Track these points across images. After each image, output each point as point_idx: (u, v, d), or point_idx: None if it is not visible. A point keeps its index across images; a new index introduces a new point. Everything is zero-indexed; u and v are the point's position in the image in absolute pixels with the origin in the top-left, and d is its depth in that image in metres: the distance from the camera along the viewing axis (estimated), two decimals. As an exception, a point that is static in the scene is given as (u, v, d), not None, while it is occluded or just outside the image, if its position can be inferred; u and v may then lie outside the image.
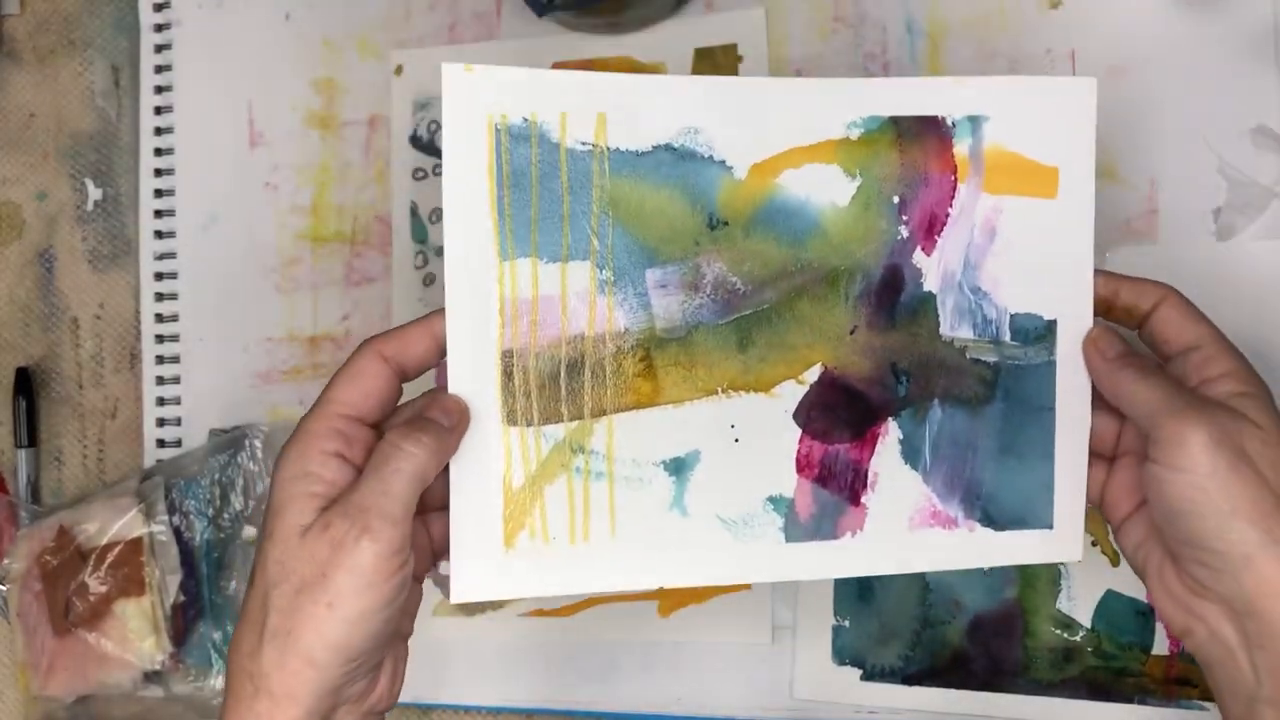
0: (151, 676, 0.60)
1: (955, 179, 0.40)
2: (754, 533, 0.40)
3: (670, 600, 0.57)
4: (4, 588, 0.61)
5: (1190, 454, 0.36)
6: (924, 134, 0.39)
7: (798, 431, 0.40)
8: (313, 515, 0.35)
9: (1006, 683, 0.54)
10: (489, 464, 0.38)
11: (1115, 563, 0.53)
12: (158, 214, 0.65)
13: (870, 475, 0.40)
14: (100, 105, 0.66)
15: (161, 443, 0.64)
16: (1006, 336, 0.40)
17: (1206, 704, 0.52)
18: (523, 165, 0.37)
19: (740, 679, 0.57)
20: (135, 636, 0.58)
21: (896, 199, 0.40)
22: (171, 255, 0.64)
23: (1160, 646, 0.53)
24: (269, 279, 0.63)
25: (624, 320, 0.38)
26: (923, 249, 0.40)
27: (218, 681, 0.60)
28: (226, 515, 0.60)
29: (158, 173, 0.65)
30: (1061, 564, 0.53)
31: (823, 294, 0.39)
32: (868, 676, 0.55)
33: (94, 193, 0.66)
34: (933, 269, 0.40)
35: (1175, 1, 0.54)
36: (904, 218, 0.40)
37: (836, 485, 0.40)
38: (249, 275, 0.63)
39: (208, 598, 0.60)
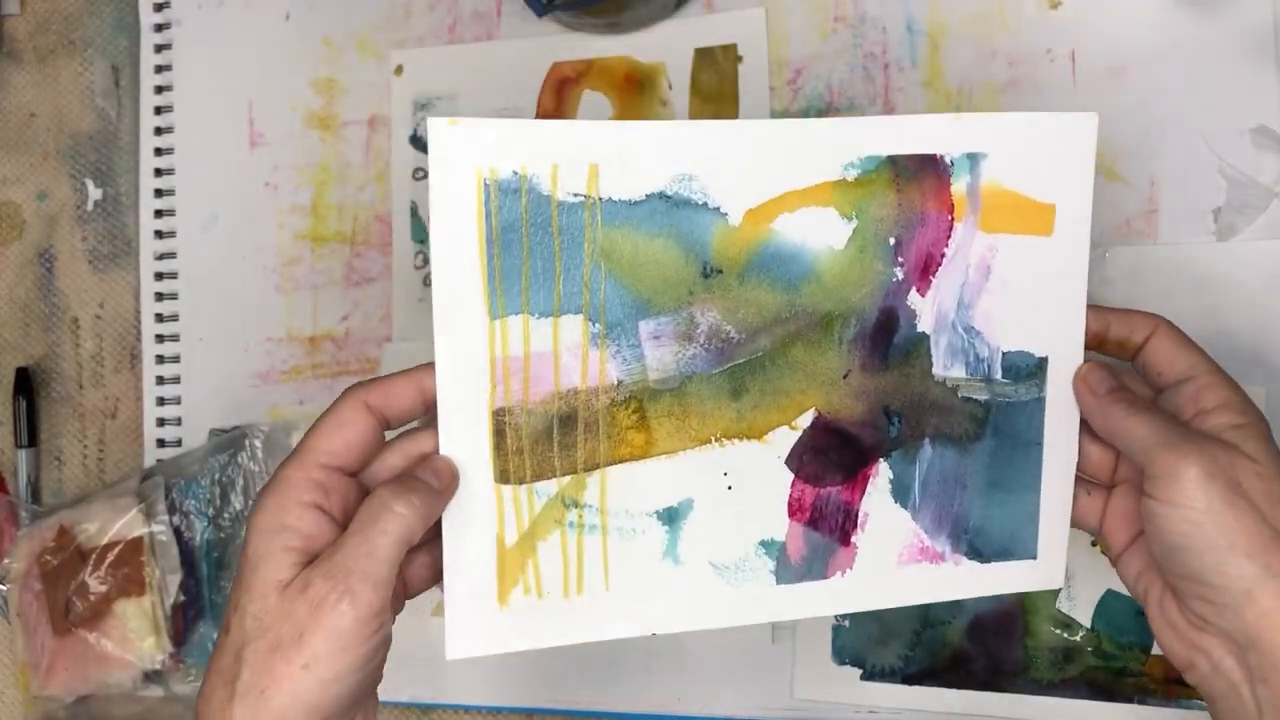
0: (152, 676, 0.60)
1: (952, 218, 0.39)
2: (745, 577, 0.40)
3: None
4: (4, 587, 0.61)
5: (1185, 489, 0.35)
6: (922, 173, 0.39)
7: (790, 476, 0.40)
8: (290, 571, 0.34)
9: (1006, 683, 0.54)
10: (481, 523, 0.37)
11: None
12: (158, 214, 0.65)
13: (861, 515, 0.40)
14: (100, 105, 0.66)
15: (161, 442, 0.64)
16: (998, 374, 0.40)
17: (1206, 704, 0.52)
18: (513, 220, 0.36)
19: (740, 679, 0.57)
20: (135, 636, 0.58)
21: (893, 240, 0.39)
22: (171, 255, 0.64)
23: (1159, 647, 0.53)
24: (269, 279, 0.63)
25: (617, 373, 0.38)
26: (918, 290, 0.39)
27: (218, 681, 0.60)
28: (227, 515, 0.60)
29: (158, 172, 0.65)
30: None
31: (817, 339, 0.39)
32: (868, 676, 0.55)
33: (94, 192, 0.66)
34: (927, 309, 0.39)
35: (1175, 1, 0.54)
36: (900, 259, 0.39)
37: (827, 527, 0.40)
38: (249, 275, 0.63)
39: (208, 598, 0.60)
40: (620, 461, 0.38)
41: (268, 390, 0.63)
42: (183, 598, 0.59)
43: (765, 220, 0.38)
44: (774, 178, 0.38)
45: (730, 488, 0.39)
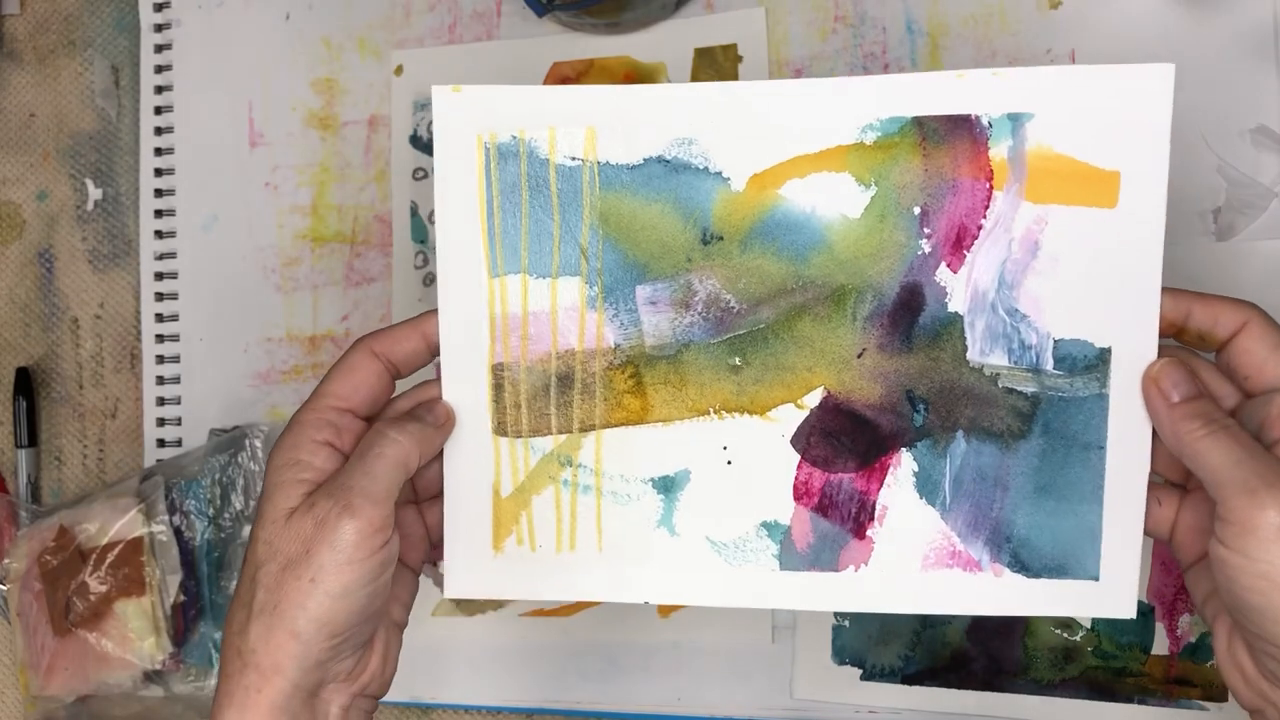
0: (152, 676, 0.60)
1: (990, 186, 0.35)
2: (746, 557, 0.38)
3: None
4: (4, 587, 0.61)
5: (1261, 541, 0.31)
6: (953, 136, 0.35)
7: (796, 457, 0.38)
8: (299, 499, 0.36)
9: (1006, 683, 0.54)
10: (479, 471, 0.39)
11: (1115, 563, 0.53)
12: (158, 214, 0.65)
13: (878, 508, 0.38)
14: (100, 105, 0.66)
15: (161, 442, 0.64)
16: (1049, 365, 0.36)
17: (1206, 704, 0.52)
18: (512, 182, 0.37)
19: (740, 679, 0.57)
20: (135, 636, 0.58)
21: (918, 210, 0.36)
22: (171, 255, 0.64)
23: (1160, 646, 0.53)
24: (269, 279, 0.63)
25: (614, 336, 0.38)
26: (948, 265, 0.36)
27: (217, 681, 0.60)
28: (227, 515, 0.60)
29: (158, 173, 0.65)
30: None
31: (826, 314, 0.37)
32: (868, 676, 0.55)
33: (94, 192, 0.66)
34: (960, 287, 0.36)
35: (1175, 1, 0.54)
36: (926, 230, 0.36)
37: (839, 516, 0.38)
38: (249, 275, 0.63)
39: (208, 597, 0.60)
40: (616, 425, 0.38)
41: (268, 390, 0.63)
42: (183, 598, 0.59)
43: (772, 186, 0.36)
44: (783, 141, 0.36)
45: (730, 462, 0.38)
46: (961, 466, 0.37)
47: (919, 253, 0.36)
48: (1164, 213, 0.35)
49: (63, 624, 0.59)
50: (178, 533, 0.60)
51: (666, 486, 0.38)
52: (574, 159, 0.37)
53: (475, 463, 0.38)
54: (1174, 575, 0.53)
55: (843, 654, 0.56)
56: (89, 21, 0.67)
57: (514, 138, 0.37)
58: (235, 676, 0.36)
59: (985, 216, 0.35)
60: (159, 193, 0.65)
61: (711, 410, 0.38)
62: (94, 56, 0.66)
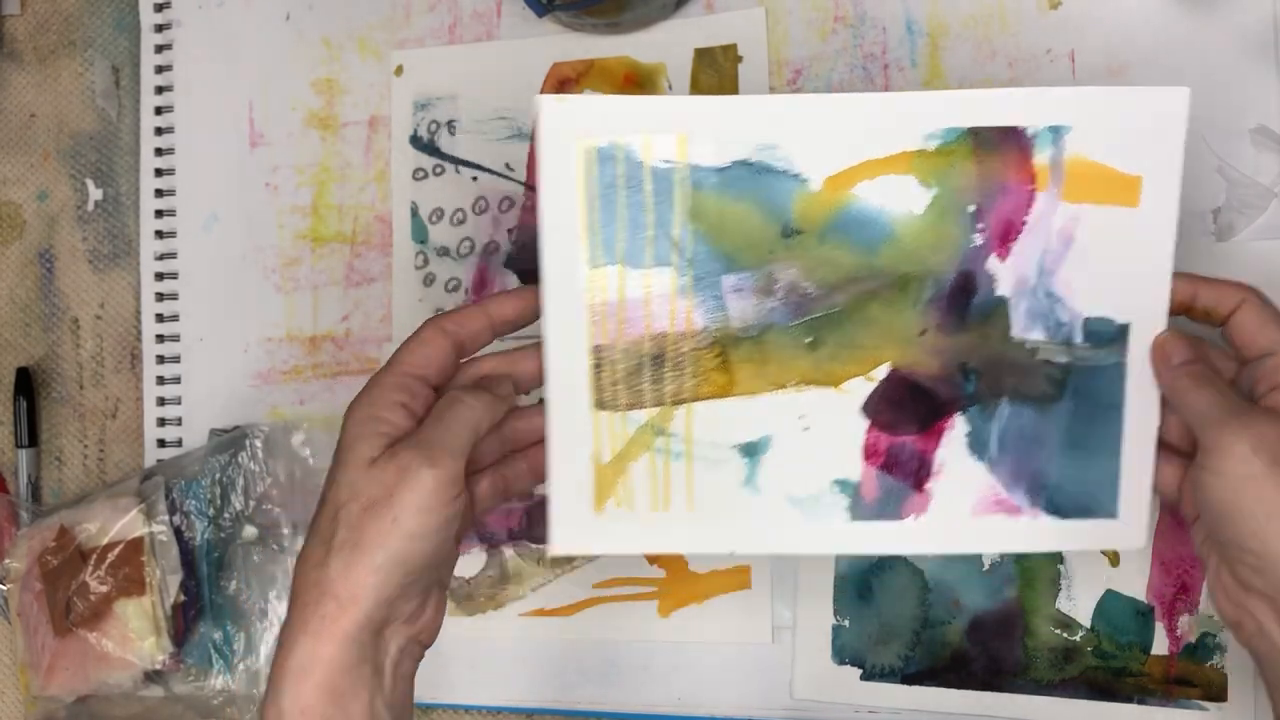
0: (152, 676, 0.60)
1: (1034, 188, 0.41)
2: (821, 511, 0.43)
3: (670, 600, 0.57)
4: (4, 587, 0.62)
5: (1229, 459, 0.37)
6: (1003, 144, 0.40)
7: (865, 423, 0.43)
8: (380, 449, 0.40)
9: (1006, 683, 0.54)
10: (581, 442, 0.43)
11: (1115, 562, 0.53)
12: (158, 214, 0.65)
13: (935, 464, 0.43)
14: (101, 105, 0.66)
15: (162, 442, 0.64)
16: (1079, 339, 0.41)
17: (1206, 704, 0.52)
18: (610, 183, 0.41)
19: (740, 679, 0.57)
20: (136, 636, 0.58)
21: (972, 208, 0.41)
22: (172, 255, 0.64)
23: (1160, 646, 0.53)
24: (269, 279, 0.63)
25: (702, 320, 0.42)
26: (997, 255, 0.41)
27: (218, 681, 0.60)
28: (227, 515, 0.60)
29: (158, 173, 0.65)
30: (1062, 562, 0.53)
31: (893, 298, 0.41)
32: (867, 676, 0.55)
33: (94, 193, 0.66)
34: (1006, 275, 0.41)
35: (1175, 1, 0.54)
36: (979, 226, 0.41)
37: (902, 472, 0.43)
38: (249, 275, 0.63)
39: (208, 597, 0.60)
40: (704, 398, 0.42)
41: (268, 390, 0.63)
42: (183, 598, 0.59)
43: (845, 186, 0.41)
44: (855, 147, 0.41)
45: (807, 429, 0.42)
46: (1006, 427, 0.42)
47: (973, 245, 0.41)
48: (1177, 210, 0.41)
49: (63, 624, 0.59)
50: (178, 533, 0.60)
51: (750, 451, 0.43)
52: (667, 162, 0.41)
53: (577, 434, 0.43)
54: (1173, 576, 0.53)
55: (843, 654, 0.56)
56: (89, 22, 0.67)
57: (612, 143, 0.41)
58: (312, 605, 0.39)
59: (1029, 214, 0.41)
60: (159, 193, 0.65)
61: (790, 384, 0.42)
62: (94, 57, 0.66)
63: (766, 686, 0.57)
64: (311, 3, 0.63)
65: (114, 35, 0.66)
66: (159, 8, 0.65)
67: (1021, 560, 0.54)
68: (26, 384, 0.65)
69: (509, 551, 0.59)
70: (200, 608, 0.60)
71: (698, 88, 0.58)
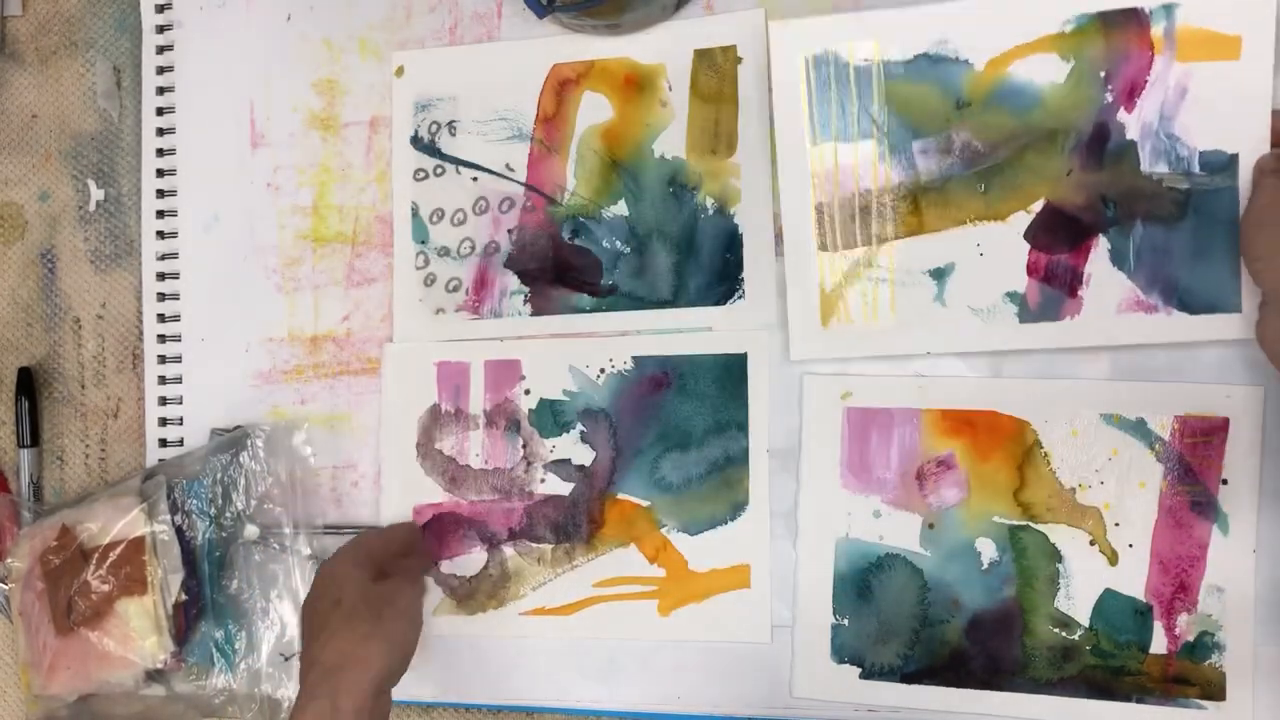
0: (153, 675, 0.60)
1: (1152, 53, 0.51)
2: (995, 317, 0.53)
3: (670, 599, 0.58)
4: (6, 586, 0.62)
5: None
6: (1125, 23, 0.51)
7: (1027, 247, 0.53)
8: (372, 574, 0.55)
9: (1005, 681, 0.54)
10: (810, 275, 0.55)
11: (1113, 562, 0.53)
12: (159, 214, 0.65)
13: (1085, 275, 0.52)
14: (102, 106, 0.66)
15: (163, 442, 0.64)
16: (1196, 169, 0.51)
17: (1204, 703, 0.52)
18: (824, 80, 0.54)
19: (740, 678, 0.57)
20: (137, 635, 0.59)
21: (1103, 74, 0.52)
22: (173, 255, 0.64)
23: (1158, 645, 0.53)
24: (270, 279, 0.63)
25: (897, 177, 0.54)
26: (1125, 109, 0.51)
27: (219, 680, 0.60)
28: (228, 514, 0.60)
29: (160, 173, 0.65)
30: (1061, 561, 0.53)
31: (1044, 148, 0.52)
32: (867, 675, 0.56)
33: (96, 193, 0.66)
34: (1134, 123, 0.51)
35: (1173, 2, 0.54)
36: (1109, 87, 0.52)
37: (1059, 282, 0.52)
38: (250, 275, 0.63)
39: (210, 597, 0.60)
40: (902, 237, 0.54)
41: (269, 390, 0.63)
42: (184, 597, 0.60)
43: (1003, 66, 0.52)
44: (1008, 35, 0.52)
45: (982, 254, 0.53)
46: (1141, 243, 0.52)
47: (1105, 102, 0.52)
48: (1272, 59, 0.50)
49: (65, 623, 0.59)
50: (179, 532, 0.60)
51: (938, 275, 0.54)
52: (865, 61, 0.54)
53: (807, 269, 0.55)
54: (1172, 575, 0.53)
55: (842, 653, 0.56)
56: (91, 23, 0.67)
57: (825, 50, 0.54)
58: (326, 680, 0.50)
59: (1149, 74, 0.51)
60: (161, 193, 0.65)
61: (967, 220, 0.53)
62: (96, 57, 0.67)
63: (766, 686, 0.57)
64: (313, 4, 0.63)
65: (115, 36, 0.66)
66: (160, 9, 0.65)
67: (1020, 560, 0.54)
68: (28, 384, 0.65)
69: (509, 551, 0.60)
70: (201, 607, 0.60)
71: (697, 89, 0.59)
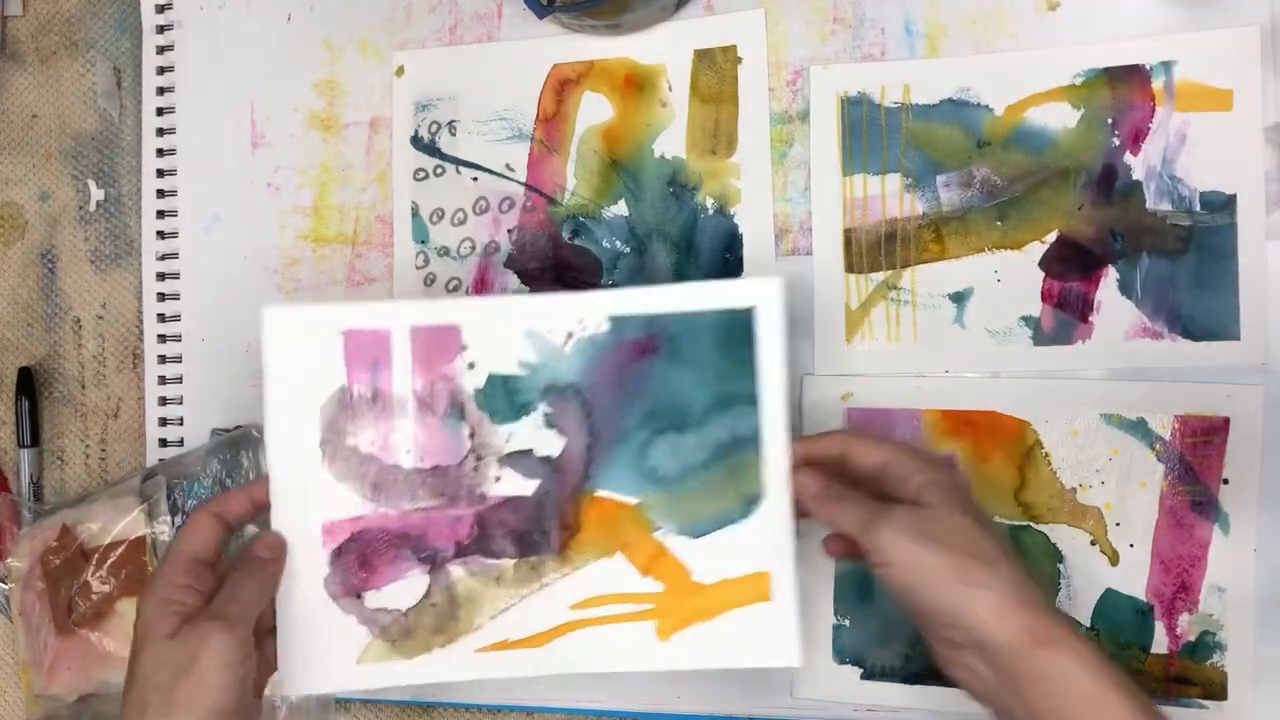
0: (153, 675, 0.60)
1: (1154, 104, 0.54)
2: (1011, 339, 0.56)
3: (671, 619, 0.50)
4: (7, 587, 0.62)
5: (880, 550, 0.44)
6: (1129, 77, 0.55)
7: (1041, 274, 0.55)
8: (177, 626, 0.45)
9: (1006, 681, 0.54)
10: (837, 294, 0.57)
11: (1114, 562, 0.53)
12: (160, 214, 0.65)
13: (1096, 302, 0.55)
14: (102, 106, 0.66)
15: (163, 442, 0.64)
16: (1197, 207, 0.54)
17: (1206, 703, 0.52)
18: (857, 119, 0.57)
19: (740, 679, 0.57)
20: (137, 635, 0.58)
21: (1110, 120, 0.55)
22: (174, 255, 0.64)
23: (1159, 645, 0.53)
24: (270, 279, 0.63)
25: (922, 207, 0.57)
26: (1131, 152, 0.55)
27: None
28: (228, 515, 0.60)
29: (160, 173, 0.65)
30: (1062, 561, 0.53)
31: (1057, 185, 0.55)
32: (868, 675, 0.56)
33: (96, 193, 0.66)
34: (1139, 165, 0.55)
35: (1174, 2, 0.54)
36: (1116, 132, 0.55)
37: (1071, 309, 0.55)
38: (251, 276, 0.63)
39: (209, 597, 0.60)
40: (924, 262, 0.57)
41: (269, 390, 0.63)
42: (184, 597, 0.60)
43: (1020, 111, 0.56)
44: (1024, 85, 0.56)
45: (999, 280, 0.56)
46: (1147, 274, 0.55)
47: (1112, 145, 0.55)
48: (1261, 109, 0.53)
49: (65, 623, 0.59)
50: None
51: (958, 299, 0.56)
52: (896, 103, 0.57)
53: (834, 291, 0.57)
54: (1173, 575, 0.53)
55: (843, 653, 0.56)
56: (91, 23, 0.67)
57: (860, 93, 0.57)
58: None
59: (1152, 122, 0.55)
60: (161, 193, 0.65)
61: (986, 249, 0.56)
62: (96, 58, 0.67)
63: (766, 686, 0.57)
64: (313, 4, 0.63)
65: (116, 36, 0.67)
66: (160, 9, 0.66)
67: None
68: (28, 384, 0.65)
69: (457, 571, 0.50)
70: (201, 607, 0.60)
71: (697, 89, 0.59)
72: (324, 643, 0.49)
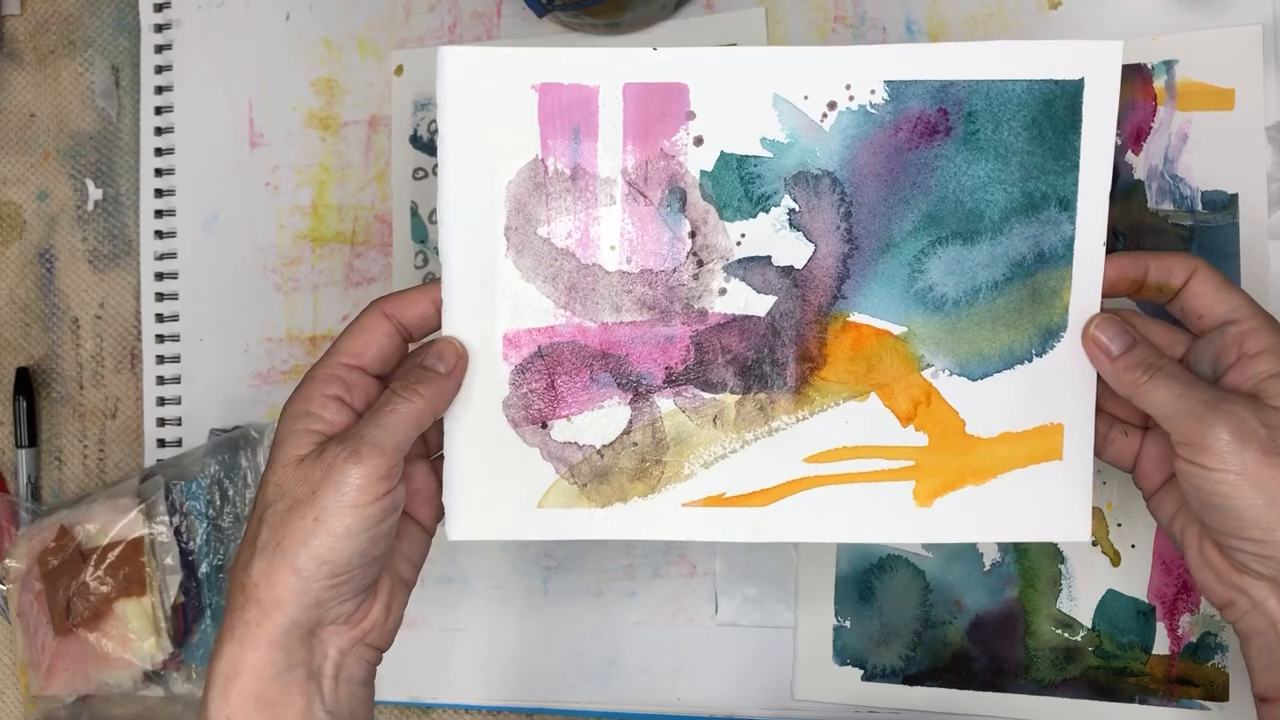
0: (152, 676, 0.60)
1: (1155, 103, 0.53)
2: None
3: (935, 480, 0.43)
4: (4, 587, 0.61)
5: (1218, 455, 0.36)
6: (1131, 76, 0.53)
7: None
8: (310, 447, 0.38)
9: (1007, 683, 0.54)
10: None
11: (1116, 562, 0.53)
12: (158, 214, 0.65)
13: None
14: (101, 105, 0.66)
15: (162, 442, 0.64)
16: (1199, 207, 0.52)
17: (1207, 704, 0.52)
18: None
19: (740, 679, 0.57)
20: (136, 636, 0.58)
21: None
22: (172, 255, 0.64)
23: (1161, 646, 0.53)
24: (269, 279, 0.63)
25: None
26: (1133, 151, 0.53)
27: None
28: (227, 515, 0.60)
29: (158, 173, 0.65)
30: (1063, 562, 0.53)
31: None
32: (868, 677, 0.55)
33: (94, 193, 0.66)
34: (1141, 164, 0.53)
35: (1174, 2, 0.54)
36: (1117, 132, 0.46)
37: None
38: (249, 275, 0.63)
39: (208, 598, 0.60)
40: None
41: (268, 390, 0.63)
42: (183, 598, 0.59)
43: None
44: None
45: None
46: None
47: (1115, 145, 0.43)
48: (1262, 107, 0.52)
49: (63, 624, 0.59)
50: (178, 533, 0.60)
51: None
52: None
53: None
54: (1175, 575, 0.53)
55: (844, 654, 0.56)
56: (89, 22, 0.67)
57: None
58: (237, 611, 0.38)
59: (1153, 121, 0.53)
60: (159, 193, 0.65)
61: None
62: (94, 57, 0.66)
63: (766, 686, 0.57)
64: (311, 3, 0.63)
65: (114, 35, 0.66)
66: (159, 8, 0.65)
67: (1022, 561, 0.54)
68: (26, 384, 0.65)
69: (667, 404, 0.41)
70: (200, 608, 0.60)
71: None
72: (499, 480, 0.41)
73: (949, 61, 0.39)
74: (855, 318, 0.41)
